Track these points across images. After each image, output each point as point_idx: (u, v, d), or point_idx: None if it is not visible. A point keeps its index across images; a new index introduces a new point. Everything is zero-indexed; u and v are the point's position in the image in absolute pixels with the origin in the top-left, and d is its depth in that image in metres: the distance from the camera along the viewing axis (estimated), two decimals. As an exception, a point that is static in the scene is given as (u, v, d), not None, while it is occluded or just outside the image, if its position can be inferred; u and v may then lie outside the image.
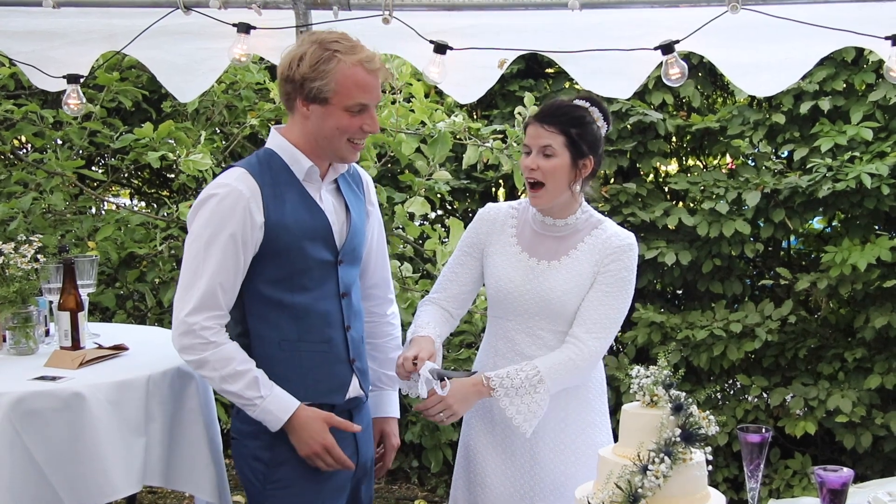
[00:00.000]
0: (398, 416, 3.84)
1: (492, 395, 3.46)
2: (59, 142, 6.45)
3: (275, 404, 3.26)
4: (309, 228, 3.33)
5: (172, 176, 7.33)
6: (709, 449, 2.85)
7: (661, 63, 4.27)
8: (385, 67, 3.37)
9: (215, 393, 4.20)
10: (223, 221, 3.22)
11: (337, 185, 3.49)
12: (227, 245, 3.22)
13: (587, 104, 3.61)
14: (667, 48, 4.20)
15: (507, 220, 3.71)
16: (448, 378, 3.42)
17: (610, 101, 6.80)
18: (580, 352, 3.51)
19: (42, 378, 3.56)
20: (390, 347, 3.76)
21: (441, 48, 4.31)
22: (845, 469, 2.84)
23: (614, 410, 6.35)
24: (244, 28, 4.43)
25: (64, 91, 4.88)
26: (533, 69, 7.68)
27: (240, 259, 3.25)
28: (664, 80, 4.28)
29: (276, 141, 3.39)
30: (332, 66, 3.22)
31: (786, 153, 7.04)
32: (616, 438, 3.53)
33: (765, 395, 6.69)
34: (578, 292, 3.57)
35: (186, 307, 3.22)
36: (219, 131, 6.95)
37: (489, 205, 3.80)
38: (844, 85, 6.71)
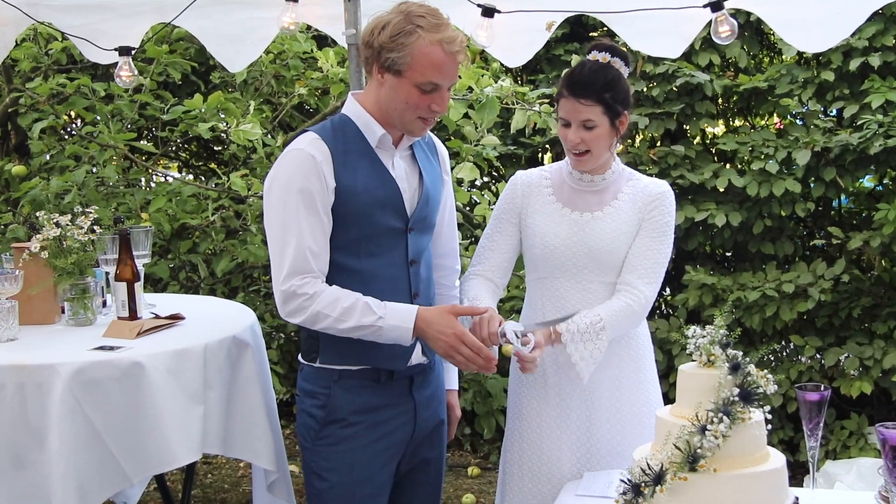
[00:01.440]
0: (457, 388, 3.85)
1: (560, 343, 3.46)
2: (110, 115, 6.50)
3: (395, 318, 3.22)
4: (379, 195, 3.32)
5: (220, 148, 7.37)
6: (767, 408, 2.84)
7: (710, 21, 4.23)
8: (465, 50, 3.33)
9: (270, 362, 4.25)
10: (300, 185, 3.22)
11: (412, 153, 3.48)
12: (308, 208, 3.22)
13: (609, 57, 3.57)
14: (716, 5, 4.17)
15: (542, 182, 3.72)
16: (530, 334, 3.39)
17: (657, 62, 6.77)
18: (636, 298, 3.54)
19: (101, 348, 3.60)
20: None
21: (489, 11, 4.30)
22: (906, 425, 2.82)
23: (666, 374, 6.40)
24: (292, -4, 4.44)
25: (114, 64, 4.92)
26: (578, 32, 7.64)
27: (322, 220, 3.25)
28: (714, 39, 4.25)
29: (351, 107, 3.39)
30: (410, 41, 3.20)
31: (835, 111, 6.96)
32: (665, 398, 3.54)
33: (819, 355, 6.64)
34: (626, 240, 3.59)
35: (280, 277, 3.23)
36: (267, 101, 6.99)
37: (519, 172, 3.80)
38: (894, 40, 6.61)
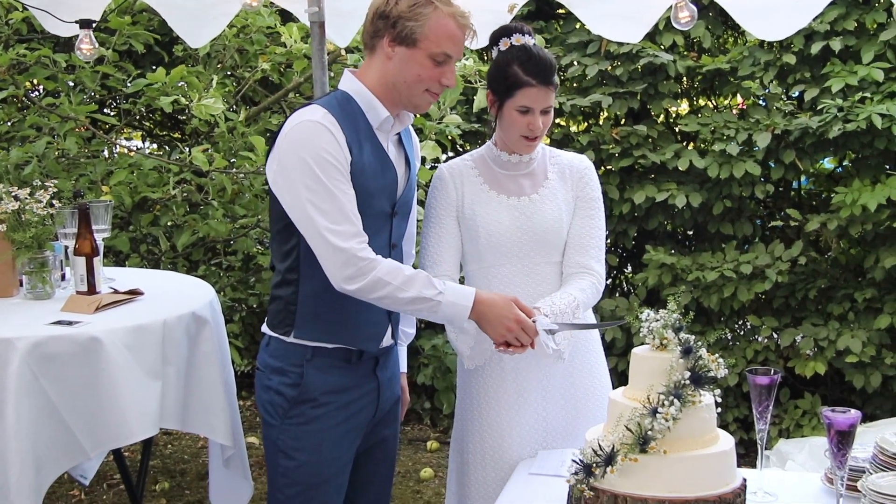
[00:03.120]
0: (406, 371, 3.87)
1: None
2: (72, 85, 6.45)
3: (454, 295, 3.21)
4: (379, 178, 3.32)
5: (184, 119, 7.34)
6: (718, 391, 2.88)
7: (671, 6, 4.26)
8: (473, 26, 3.35)
9: (228, 336, 4.26)
10: (327, 153, 3.16)
11: (399, 137, 3.48)
12: (341, 175, 3.17)
13: (531, 38, 3.59)
14: (677, -9, 4.20)
15: (471, 171, 3.69)
16: (555, 331, 3.38)
17: (620, 43, 6.78)
18: (598, 279, 3.61)
19: (59, 322, 3.61)
20: None
21: (452, -9, 4.30)
22: (853, 410, 2.86)
23: (624, 352, 6.45)
24: (255, -28, 4.43)
25: (76, 35, 4.89)
26: (543, 11, 7.65)
27: (350, 184, 3.20)
28: (674, 24, 4.28)
29: (352, 85, 3.35)
30: (428, 11, 3.21)
31: (796, 94, 7.01)
32: (623, 376, 3.58)
33: (775, 335, 6.72)
34: (567, 218, 3.65)
35: (335, 237, 3.12)
36: (230, 75, 6.96)
37: (442, 165, 3.76)
38: (855, 24, 6.65)
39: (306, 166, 3.15)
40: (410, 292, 3.15)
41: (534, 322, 3.27)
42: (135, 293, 3.99)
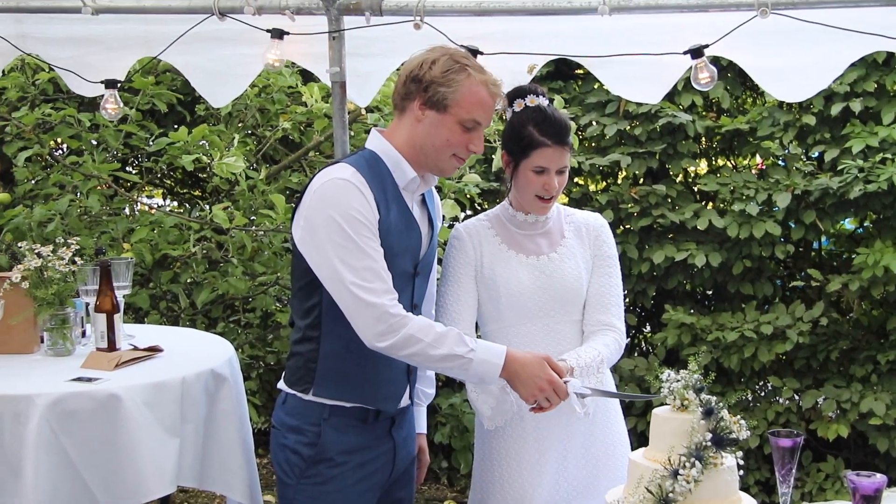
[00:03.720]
0: (426, 432, 3.86)
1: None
2: (96, 144, 6.51)
3: (486, 353, 3.19)
4: (404, 238, 3.33)
5: (205, 176, 7.39)
6: (740, 453, 2.86)
7: (691, 67, 4.27)
8: (503, 94, 3.40)
9: (246, 393, 4.25)
10: (356, 211, 3.16)
11: (422, 197, 3.49)
12: (370, 233, 3.17)
13: (545, 99, 3.62)
14: (696, 52, 4.20)
15: (487, 232, 3.70)
16: (586, 396, 3.37)
17: (639, 103, 6.81)
18: (620, 336, 3.62)
19: (79, 379, 3.60)
20: None
21: (472, 53, 4.34)
22: (878, 475, 2.83)
23: (644, 412, 6.41)
24: (278, 34, 4.46)
25: (101, 95, 4.94)
26: (562, 71, 7.69)
27: (378, 241, 3.20)
28: (694, 85, 4.28)
29: (379, 145, 3.36)
30: (461, 78, 3.24)
31: (816, 154, 7.03)
32: (642, 437, 3.56)
33: (796, 397, 6.67)
34: (585, 276, 3.66)
35: (366, 294, 3.11)
36: (251, 134, 7.01)
37: (458, 225, 3.76)
38: (875, 86, 6.68)
39: (335, 224, 3.15)
40: (442, 349, 3.14)
41: (565, 383, 3.25)
42: (154, 350, 3.99)
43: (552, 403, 3.25)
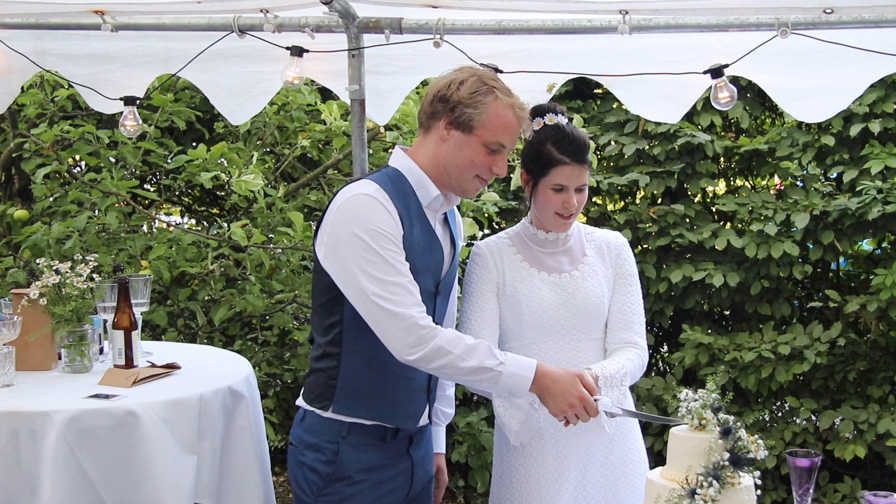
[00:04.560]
0: (444, 452, 3.86)
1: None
2: (114, 161, 6.54)
3: (516, 366, 3.18)
4: (426, 256, 3.33)
5: (223, 194, 7.42)
6: (757, 473, 2.84)
7: (710, 87, 4.27)
8: (529, 118, 3.41)
9: (263, 411, 4.25)
10: (381, 227, 3.17)
11: (445, 216, 3.50)
12: (396, 247, 3.18)
13: (564, 118, 3.62)
14: (716, 72, 4.21)
15: (509, 249, 3.70)
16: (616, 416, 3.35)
17: (658, 123, 6.81)
18: (643, 353, 3.63)
19: (96, 396, 3.61)
20: (447, 385, 3.75)
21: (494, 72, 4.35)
22: (895, 494, 2.83)
23: (661, 432, 6.39)
24: (297, 51, 4.49)
25: (119, 112, 4.96)
26: (581, 90, 7.70)
27: (403, 255, 3.20)
28: (713, 104, 4.29)
29: (403, 162, 3.37)
30: (488, 100, 3.25)
31: (835, 175, 7.01)
32: (659, 456, 3.54)
33: (814, 417, 6.64)
34: (607, 294, 3.67)
35: (394, 306, 3.11)
36: (270, 151, 7.03)
37: (480, 242, 3.76)
38: (895, 107, 6.66)
39: (359, 240, 3.16)
40: (472, 362, 3.13)
41: (596, 401, 3.24)
42: (172, 367, 4.00)
43: (581, 420, 3.24)
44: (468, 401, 6.88)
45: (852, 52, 4.01)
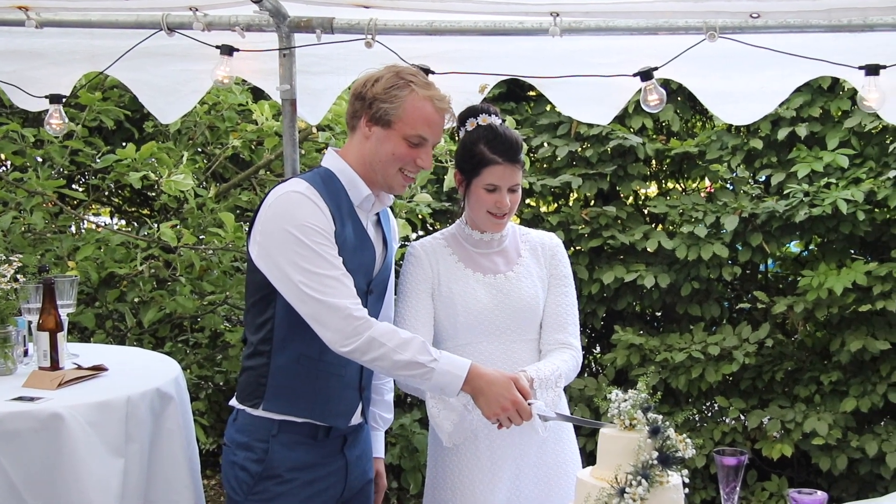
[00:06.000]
0: (384, 456, 3.85)
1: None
2: (40, 160, 6.43)
3: (449, 364, 3.18)
4: (358, 255, 3.33)
5: (153, 195, 7.34)
6: (685, 472, 2.87)
7: (640, 89, 4.31)
8: (452, 110, 3.41)
9: (194, 414, 4.21)
10: (313, 222, 3.18)
11: (377, 217, 3.52)
12: (328, 242, 3.19)
13: (497, 118, 3.64)
14: (645, 75, 4.24)
15: (444, 250, 3.71)
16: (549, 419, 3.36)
17: (590, 125, 6.85)
18: (578, 354, 3.65)
19: (20, 398, 3.54)
20: (386, 390, 3.78)
21: (423, 72, 4.34)
22: (819, 492, 2.86)
23: (593, 432, 6.42)
24: (227, 50, 4.44)
25: (45, 110, 4.88)
26: (514, 92, 7.72)
27: (336, 249, 3.21)
28: (643, 107, 4.33)
29: (334, 163, 3.39)
30: (404, 94, 3.27)
31: (763, 178, 7.10)
32: (591, 456, 3.56)
33: (742, 417, 6.72)
34: (542, 295, 3.68)
35: (328, 297, 3.12)
36: (201, 151, 6.96)
37: (415, 243, 3.76)
38: (821, 111, 6.77)
39: (291, 236, 3.16)
40: (405, 355, 3.14)
41: (530, 405, 3.24)
42: (98, 369, 3.94)
43: (514, 423, 3.24)
44: (402, 402, 6.87)
45: (778, 57, 4.06)
